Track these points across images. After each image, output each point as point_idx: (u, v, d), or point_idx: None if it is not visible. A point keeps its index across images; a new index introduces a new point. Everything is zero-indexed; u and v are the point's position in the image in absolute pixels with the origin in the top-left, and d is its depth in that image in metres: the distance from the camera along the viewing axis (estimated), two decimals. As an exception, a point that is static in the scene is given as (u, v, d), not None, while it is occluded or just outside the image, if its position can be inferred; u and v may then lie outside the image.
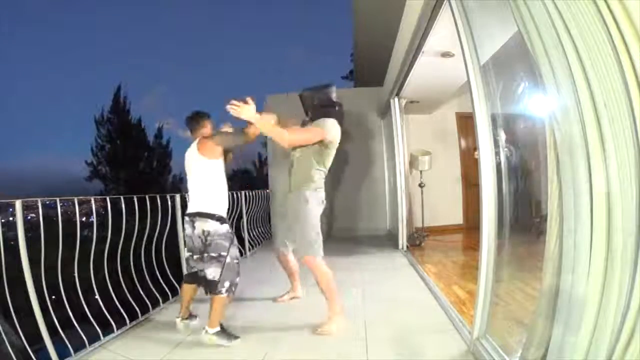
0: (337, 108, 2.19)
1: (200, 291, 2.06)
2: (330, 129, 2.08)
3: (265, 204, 5.42)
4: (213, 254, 1.90)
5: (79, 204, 2.07)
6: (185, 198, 3.05)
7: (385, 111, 4.95)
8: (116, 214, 2.29)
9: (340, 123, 2.17)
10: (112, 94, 14.39)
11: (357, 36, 6.31)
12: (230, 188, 2.20)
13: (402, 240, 4.16)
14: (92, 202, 2.20)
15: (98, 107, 14.24)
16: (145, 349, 1.89)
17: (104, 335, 1.98)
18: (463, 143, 5.55)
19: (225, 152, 2.05)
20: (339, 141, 2.13)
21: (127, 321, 2.17)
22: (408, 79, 3.52)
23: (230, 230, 1.98)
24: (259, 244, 4.79)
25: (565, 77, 0.90)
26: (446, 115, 5.49)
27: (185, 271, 2.21)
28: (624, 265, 0.79)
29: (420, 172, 4.59)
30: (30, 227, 1.97)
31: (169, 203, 2.77)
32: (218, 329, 1.88)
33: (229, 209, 2.12)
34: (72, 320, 1.92)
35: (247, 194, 4.53)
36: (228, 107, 1.77)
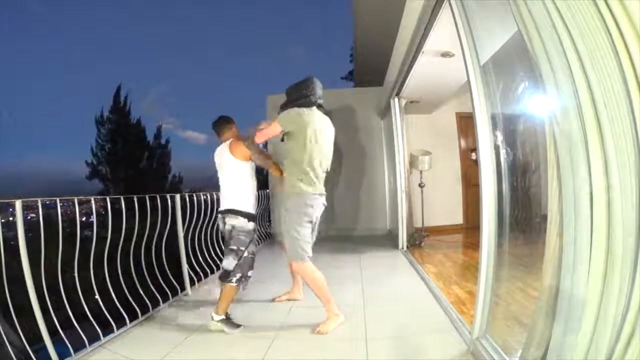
0: (305, 98, 2.06)
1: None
2: (284, 118, 1.99)
3: (266, 204, 5.42)
4: (233, 247, 2.05)
5: (79, 204, 2.07)
6: (185, 198, 3.07)
7: (385, 111, 4.95)
8: (116, 214, 2.29)
9: (308, 104, 2.05)
10: (112, 94, 14.39)
11: (357, 36, 6.30)
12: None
13: (402, 240, 4.16)
14: (92, 202, 2.20)
15: (98, 107, 14.25)
16: (146, 348, 1.89)
17: (104, 335, 1.98)
18: (463, 143, 5.56)
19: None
20: (310, 129, 1.97)
21: (127, 321, 2.17)
22: (408, 79, 3.52)
23: (254, 229, 2.12)
24: (259, 244, 4.79)
25: (565, 77, 0.90)
26: (446, 115, 5.49)
27: None
28: (624, 265, 0.79)
29: (420, 172, 4.59)
30: (30, 228, 1.97)
31: (169, 203, 2.77)
32: (223, 317, 2.05)
33: (257, 207, 2.24)
34: (72, 320, 1.92)
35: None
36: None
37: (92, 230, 2.10)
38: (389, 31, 3.51)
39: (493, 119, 1.60)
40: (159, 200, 2.66)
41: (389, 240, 4.87)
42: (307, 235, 2.02)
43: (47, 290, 1.84)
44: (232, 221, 2.05)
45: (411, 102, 4.53)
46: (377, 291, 2.66)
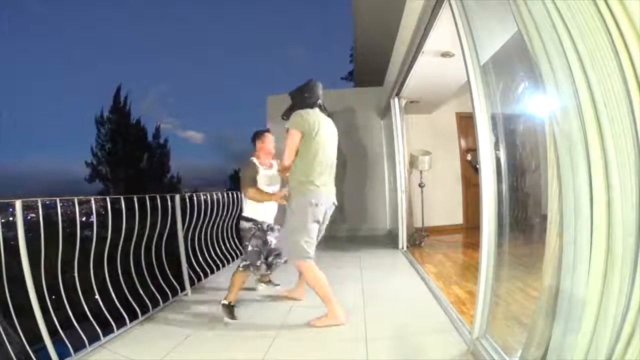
0: (307, 100, 2.10)
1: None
2: (294, 122, 2.01)
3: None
4: (241, 243, 2.56)
5: (79, 204, 2.07)
6: (184, 198, 3.08)
7: (385, 111, 4.95)
8: (116, 214, 2.29)
9: (309, 106, 2.09)
10: (112, 94, 14.40)
11: (357, 36, 6.31)
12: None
13: (402, 240, 4.16)
14: (92, 202, 2.20)
15: (98, 107, 14.26)
16: (146, 348, 1.89)
17: (104, 335, 1.98)
18: (463, 143, 5.56)
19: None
20: (317, 129, 2.01)
21: (127, 321, 2.17)
22: (408, 79, 3.52)
23: (249, 227, 2.45)
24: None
25: (565, 77, 0.90)
26: (446, 115, 5.49)
27: None
28: (624, 265, 0.79)
29: (420, 172, 4.59)
30: (30, 228, 1.97)
31: (169, 203, 2.77)
32: (226, 303, 2.28)
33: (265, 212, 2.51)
34: (72, 320, 1.92)
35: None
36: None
37: (92, 230, 2.10)
38: (389, 31, 3.51)
39: (493, 119, 1.60)
40: (158, 200, 2.66)
41: (389, 240, 4.87)
42: (311, 235, 2.03)
43: (47, 290, 1.84)
44: (240, 223, 2.52)
45: (411, 102, 4.53)
46: (377, 291, 2.66)
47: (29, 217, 2.32)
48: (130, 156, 13.83)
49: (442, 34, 2.39)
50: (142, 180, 13.66)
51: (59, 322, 1.82)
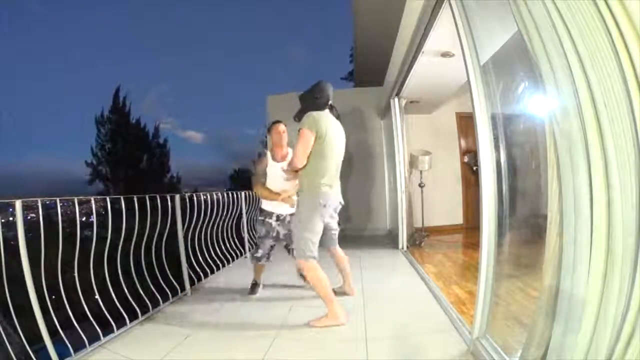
0: (318, 100, 2.13)
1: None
2: (308, 122, 2.01)
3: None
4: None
5: (79, 204, 2.07)
6: (185, 198, 3.09)
7: (385, 111, 4.95)
8: (116, 214, 2.29)
9: (319, 107, 2.10)
10: (112, 94, 14.41)
11: (357, 36, 6.30)
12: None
13: (402, 240, 4.16)
14: (92, 202, 2.20)
15: (98, 107, 14.28)
16: (146, 348, 1.89)
17: (104, 335, 1.98)
18: (463, 143, 5.56)
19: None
20: (328, 131, 2.03)
21: (127, 321, 2.17)
22: (408, 79, 3.52)
23: (259, 218, 2.67)
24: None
25: (565, 77, 0.90)
26: (446, 115, 5.49)
27: None
28: (624, 265, 0.79)
29: (420, 172, 4.59)
30: (30, 227, 1.97)
31: (169, 203, 2.77)
32: (252, 282, 2.73)
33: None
34: (72, 320, 1.91)
35: (247, 194, 4.53)
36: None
37: (92, 230, 2.10)
38: (389, 31, 3.51)
39: (493, 119, 1.60)
40: (158, 200, 2.66)
41: (389, 240, 4.87)
42: (317, 235, 2.06)
43: (47, 290, 1.83)
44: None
45: (411, 102, 4.53)
46: (377, 291, 2.66)
47: (29, 217, 2.32)
48: (130, 156, 13.84)
49: (442, 34, 2.39)
50: (142, 180, 13.67)
51: (59, 322, 1.82)
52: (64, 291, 1.91)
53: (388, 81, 4.26)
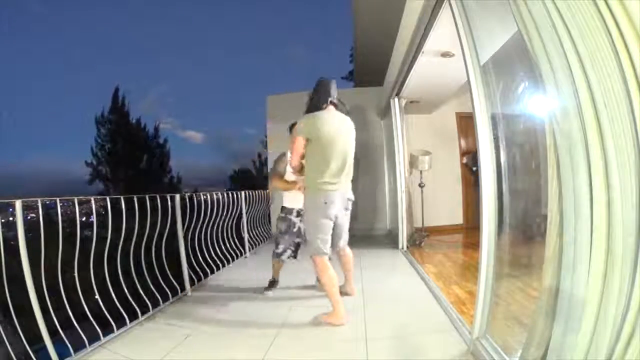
0: (321, 98, 2.13)
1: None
2: (299, 129, 2.08)
3: (265, 204, 5.42)
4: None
5: (79, 204, 2.07)
6: (185, 198, 3.09)
7: (385, 111, 4.95)
8: (116, 214, 2.29)
9: (318, 107, 2.11)
10: (112, 94, 14.41)
11: (357, 36, 6.31)
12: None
13: (402, 240, 4.16)
14: (92, 202, 2.20)
15: (98, 107, 14.27)
16: (146, 348, 1.89)
17: (104, 335, 1.98)
18: (463, 143, 5.56)
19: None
20: (322, 131, 2.02)
21: (127, 321, 2.16)
22: (408, 79, 3.52)
23: (279, 215, 2.74)
24: (259, 244, 4.80)
25: (565, 77, 0.90)
26: (446, 115, 5.49)
27: None
28: (624, 265, 0.79)
29: (420, 172, 4.59)
30: (30, 227, 1.97)
31: (169, 203, 2.77)
32: (270, 279, 2.78)
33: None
34: (72, 320, 1.91)
35: (247, 194, 4.53)
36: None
37: (92, 230, 2.10)
38: (389, 31, 3.50)
39: (493, 119, 1.60)
40: (159, 200, 2.66)
41: (389, 240, 4.87)
42: (324, 232, 2.09)
43: (47, 290, 1.83)
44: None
45: (411, 102, 4.53)
46: (377, 291, 2.66)
47: (29, 217, 2.32)
48: (130, 156, 13.83)
49: (442, 34, 2.39)
50: (142, 181, 13.66)
51: (59, 322, 1.82)
52: (64, 291, 1.91)
53: (388, 81, 4.26)
